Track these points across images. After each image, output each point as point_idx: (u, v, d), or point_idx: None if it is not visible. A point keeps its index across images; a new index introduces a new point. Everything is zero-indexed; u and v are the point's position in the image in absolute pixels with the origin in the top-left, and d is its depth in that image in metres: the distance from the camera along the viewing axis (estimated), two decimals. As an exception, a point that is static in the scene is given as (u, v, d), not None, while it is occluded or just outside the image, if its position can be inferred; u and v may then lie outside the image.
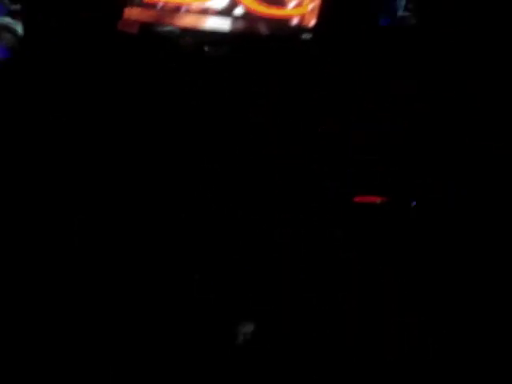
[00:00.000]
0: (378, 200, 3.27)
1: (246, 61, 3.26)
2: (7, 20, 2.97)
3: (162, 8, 3.14)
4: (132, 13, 3.11)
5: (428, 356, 2.88)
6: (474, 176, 3.22)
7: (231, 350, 2.81)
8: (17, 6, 2.99)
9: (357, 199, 3.24)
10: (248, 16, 3.21)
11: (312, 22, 3.27)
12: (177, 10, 3.14)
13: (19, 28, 2.98)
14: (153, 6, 3.13)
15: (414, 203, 3.23)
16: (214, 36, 3.20)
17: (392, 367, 2.86)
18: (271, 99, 3.29)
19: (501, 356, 2.87)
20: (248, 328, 2.85)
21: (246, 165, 3.18)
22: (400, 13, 3.32)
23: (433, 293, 3.02)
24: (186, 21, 3.17)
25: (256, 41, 3.24)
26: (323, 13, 3.25)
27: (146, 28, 3.13)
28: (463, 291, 3.02)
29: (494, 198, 3.18)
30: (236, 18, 3.21)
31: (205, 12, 3.17)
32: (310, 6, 3.27)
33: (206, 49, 3.21)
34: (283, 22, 3.26)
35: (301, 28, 3.27)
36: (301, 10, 3.26)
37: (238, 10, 3.20)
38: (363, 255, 3.08)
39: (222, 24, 3.20)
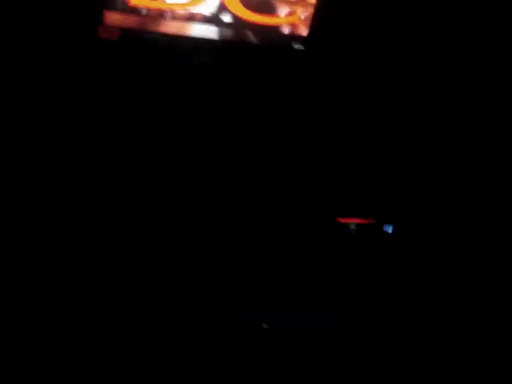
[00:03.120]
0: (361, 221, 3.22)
1: (234, 70, 3.10)
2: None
3: (146, 14, 2.96)
4: (113, 18, 2.93)
5: (427, 355, 2.90)
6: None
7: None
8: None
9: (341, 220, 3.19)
10: (236, 23, 3.05)
11: (304, 32, 3.12)
12: (162, 16, 2.97)
13: None
14: (136, 11, 2.95)
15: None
16: (201, 44, 3.04)
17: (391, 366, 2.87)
18: (260, 110, 3.14)
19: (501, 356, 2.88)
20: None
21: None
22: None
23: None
24: (171, 28, 2.99)
25: (245, 49, 3.09)
26: (316, 23, 3.10)
27: (129, 35, 2.96)
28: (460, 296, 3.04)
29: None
30: (224, 26, 3.04)
31: (191, 19, 3.00)
32: (303, 16, 3.12)
33: (192, 57, 3.06)
34: (274, 31, 3.10)
35: (292, 37, 3.12)
36: (292, 19, 3.10)
37: (226, 17, 3.03)
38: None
39: (209, 31, 3.03)
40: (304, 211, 3.13)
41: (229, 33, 3.05)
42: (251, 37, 3.06)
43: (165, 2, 2.94)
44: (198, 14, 2.99)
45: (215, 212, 3.01)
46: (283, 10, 3.08)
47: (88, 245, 2.83)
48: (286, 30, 3.11)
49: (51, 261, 2.77)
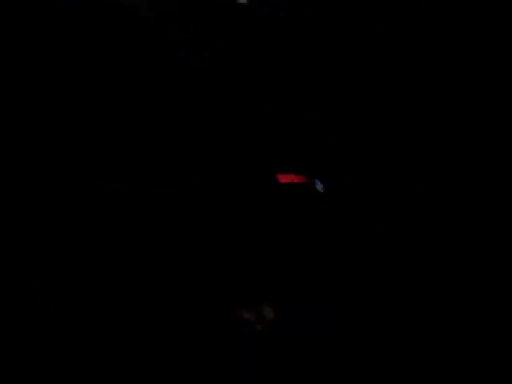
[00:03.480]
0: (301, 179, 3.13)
1: (176, 27, 3.04)
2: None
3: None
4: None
5: (427, 355, 2.86)
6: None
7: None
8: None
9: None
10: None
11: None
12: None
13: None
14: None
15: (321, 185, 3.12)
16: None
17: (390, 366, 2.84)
18: (203, 67, 3.08)
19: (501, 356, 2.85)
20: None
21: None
22: None
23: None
24: None
25: (188, 5, 3.03)
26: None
27: None
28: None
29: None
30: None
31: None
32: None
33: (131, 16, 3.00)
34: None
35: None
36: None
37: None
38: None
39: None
40: (304, 213, 3.11)
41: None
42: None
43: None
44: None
45: (215, 212, 3.00)
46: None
47: (88, 244, 2.82)
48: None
49: (51, 261, 2.77)
